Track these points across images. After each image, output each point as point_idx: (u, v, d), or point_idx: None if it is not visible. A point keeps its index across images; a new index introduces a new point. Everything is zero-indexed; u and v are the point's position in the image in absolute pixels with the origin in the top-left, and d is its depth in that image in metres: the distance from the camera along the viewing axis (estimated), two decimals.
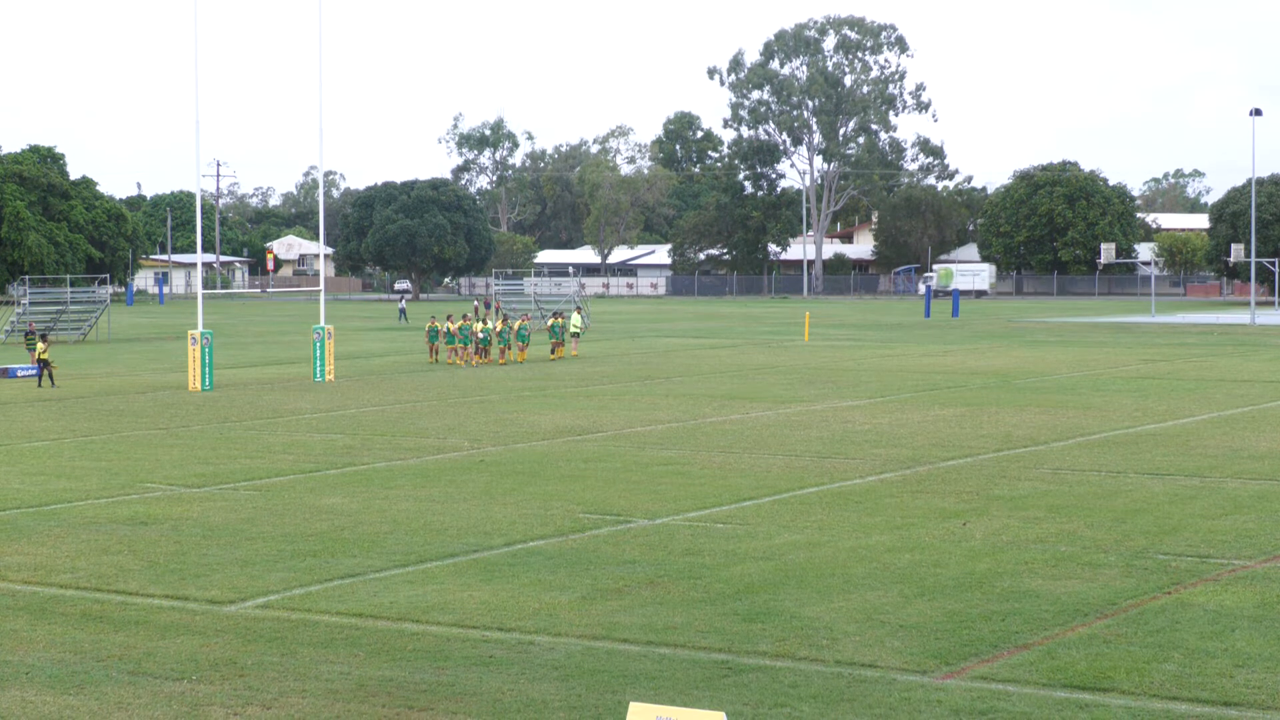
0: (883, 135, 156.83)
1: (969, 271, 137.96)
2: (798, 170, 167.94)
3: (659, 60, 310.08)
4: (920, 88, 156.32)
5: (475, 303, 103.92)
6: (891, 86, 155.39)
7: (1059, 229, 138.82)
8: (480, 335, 53.45)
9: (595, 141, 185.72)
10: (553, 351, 56.01)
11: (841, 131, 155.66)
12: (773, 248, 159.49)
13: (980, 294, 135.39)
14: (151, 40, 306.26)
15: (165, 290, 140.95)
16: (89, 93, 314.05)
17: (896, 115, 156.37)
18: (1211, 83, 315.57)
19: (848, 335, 71.85)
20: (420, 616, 15.72)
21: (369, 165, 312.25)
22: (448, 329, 52.84)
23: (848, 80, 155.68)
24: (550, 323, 57.15)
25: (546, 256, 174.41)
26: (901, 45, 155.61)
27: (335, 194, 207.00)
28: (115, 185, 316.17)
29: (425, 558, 18.70)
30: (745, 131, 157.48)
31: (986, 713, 12.52)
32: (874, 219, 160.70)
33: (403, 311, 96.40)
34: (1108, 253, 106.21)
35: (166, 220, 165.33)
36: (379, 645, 14.65)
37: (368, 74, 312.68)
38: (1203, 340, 65.69)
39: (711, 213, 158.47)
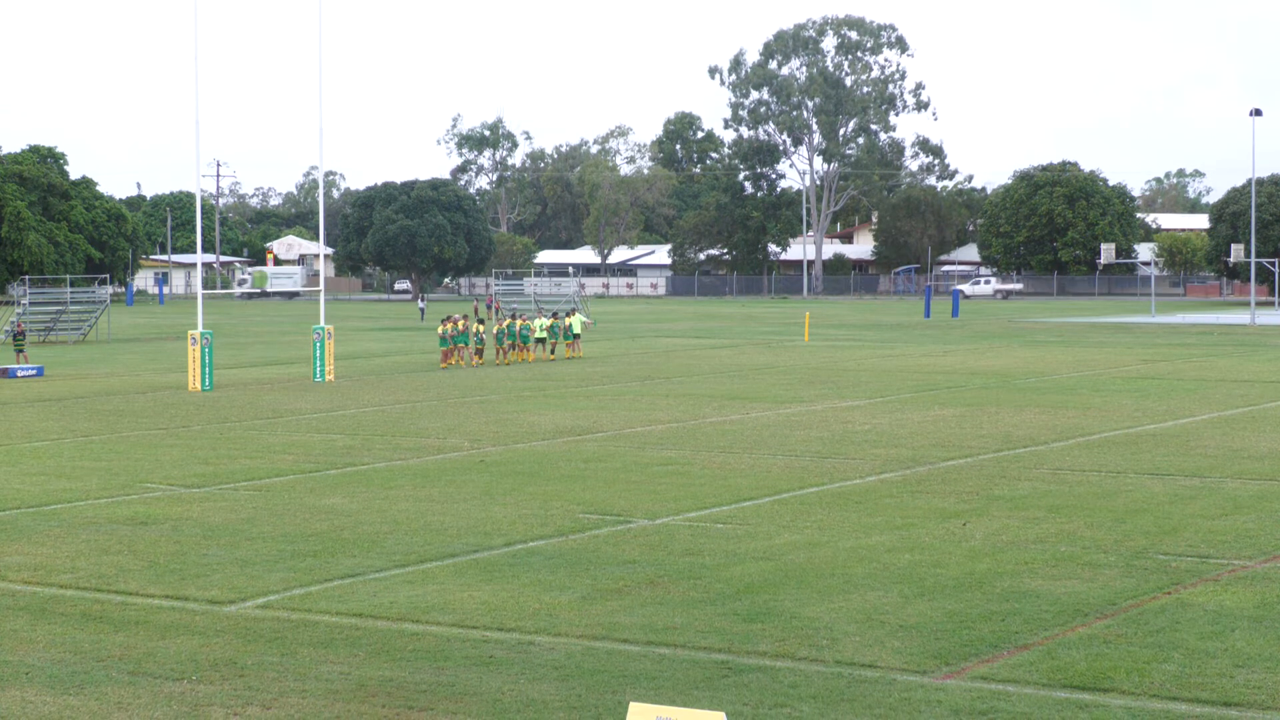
0: (882, 135, 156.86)
1: (285, 274, 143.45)
2: (798, 170, 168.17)
3: (659, 60, 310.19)
4: (920, 87, 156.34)
5: (475, 302, 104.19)
6: (891, 86, 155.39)
7: (1059, 229, 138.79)
8: (478, 335, 53.51)
9: (595, 141, 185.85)
10: (551, 351, 56.10)
11: (841, 132, 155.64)
12: (773, 248, 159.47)
13: (293, 295, 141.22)
14: (151, 40, 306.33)
15: (165, 290, 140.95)
16: (89, 93, 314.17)
17: (896, 115, 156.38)
18: (1211, 82, 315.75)
19: (848, 335, 71.85)
20: (420, 616, 15.73)
21: (369, 165, 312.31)
22: (447, 330, 52.86)
23: (848, 80, 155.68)
24: (550, 323, 57.22)
25: (546, 257, 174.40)
26: (901, 45, 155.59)
27: (335, 194, 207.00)
28: (115, 185, 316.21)
29: (425, 558, 18.70)
30: (745, 132, 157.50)
31: (986, 713, 12.53)
32: (874, 219, 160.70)
33: (422, 311, 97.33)
34: (1108, 253, 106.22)
35: (166, 220, 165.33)
36: (379, 645, 14.65)
37: (368, 74, 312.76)
38: (1203, 340, 65.70)
39: (711, 213, 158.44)
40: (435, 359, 53.80)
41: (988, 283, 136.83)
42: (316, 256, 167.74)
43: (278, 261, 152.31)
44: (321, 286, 55.02)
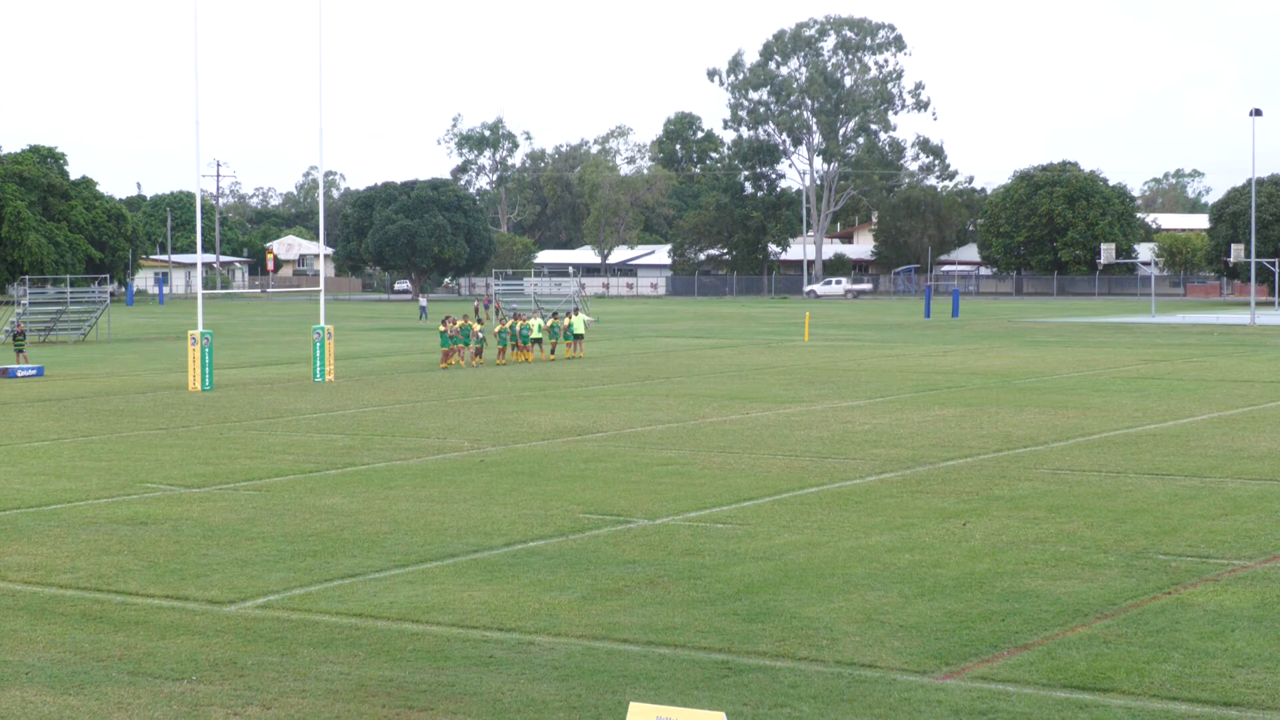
0: (882, 135, 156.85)
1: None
2: (798, 170, 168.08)
3: (659, 60, 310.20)
4: (919, 86, 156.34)
5: (475, 302, 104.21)
6: (890, 85, 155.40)
7: (1059, 229, 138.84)
8: (479, 334, 53.49)
9: (595, 142, 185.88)
10: (551, 351, 56.09)
11: (841, 131, 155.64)
12: (773, 248, 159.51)
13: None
14: (151, 40, 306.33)
15: (165, 290, 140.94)
16: (89, 93, 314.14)
17: (895, 114, 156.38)
18: (1211, 82, 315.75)
19: (848, 335, 71.86)
20: (420, 616, 15.72)
21: (369, 165, 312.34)
22: (448, 330, 52.82)
23: (847, 80, 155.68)
24: (550, 323, 57.21)
25: (546, 257, 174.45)
26: (899, 44, 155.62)
27: (335, 194, 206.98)
28: (115, 185, 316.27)
29: (425, 558, 18.70)
30: (745, 132, 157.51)
31: (986, 713, 12.52)
32: (874, 219, 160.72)
33: (423, 310, 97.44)
34: (1108, 253, 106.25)
35: (166, 220, 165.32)
36: (379, 645, 14.64)
37: (368, 74, 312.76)
38: (1203, 340, 65.69)
39: (711, 213, 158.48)
40: (435, 359, 53.82)
41: (839, 283, 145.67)
42: (317, 256, 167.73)
43: (277, 262, 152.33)
44: (322, 286, 55.00)
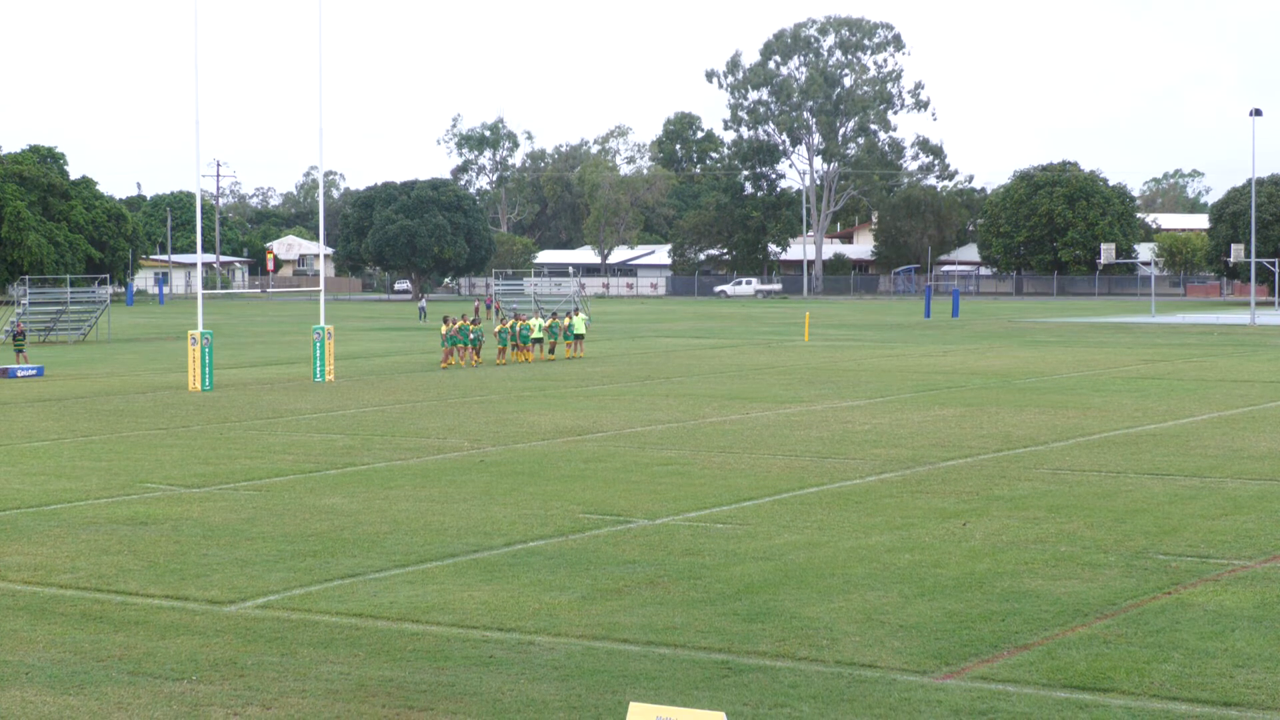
0: (882, 135, 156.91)
1: None
2: (797, 170, 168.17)
3: (659, 61, 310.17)
4: (919, 86, 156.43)
5: (476, 302, 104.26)
6: (890, 85, 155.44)
7: (1059, 229, 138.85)
8: (473, 335, 53.42)
9: (595, 141, 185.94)
10: (551, 351, 56.08)
11: (841, 131, 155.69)
12: (773, 248, 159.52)
13: None
14: (151, 40, 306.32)
15: (165, 290, 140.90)
16: (89, 93, 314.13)
17: (895, 114, 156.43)
18: (1211, 82, 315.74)
19: (848, 335, 71.86)
20: (420, 616, 15.72)
21: (369, 165, 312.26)
22: (447, 330, 52.78)
23: (847, 80, 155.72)
24: (549, 323, 57.20)
25: (546, 257, 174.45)
26: (898, 44, 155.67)
27: (335, 194, 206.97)
28: (115, 185, 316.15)
29: (425, 558, 18.70)
30: (745, 132, 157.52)
31: (986, 713, 12.53)
32: (874, 219, 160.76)
33: (422, 310, 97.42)
34: (1108, 253, 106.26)
35: (166, 220, 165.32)
36: (379, 645, 14.65)
37: (368, 74, 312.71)
38: (1203, 340, 65.70)
39: (711, 213, 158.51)
40: (435, 359, 53.82)
41: (749, 283, 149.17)
42: (317, 256, 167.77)
43: (277, 262, 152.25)
44: (322, 286, 54.98)
